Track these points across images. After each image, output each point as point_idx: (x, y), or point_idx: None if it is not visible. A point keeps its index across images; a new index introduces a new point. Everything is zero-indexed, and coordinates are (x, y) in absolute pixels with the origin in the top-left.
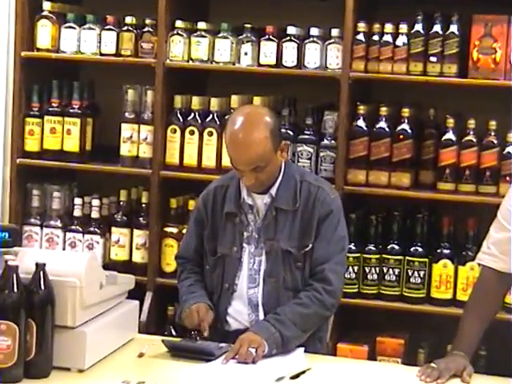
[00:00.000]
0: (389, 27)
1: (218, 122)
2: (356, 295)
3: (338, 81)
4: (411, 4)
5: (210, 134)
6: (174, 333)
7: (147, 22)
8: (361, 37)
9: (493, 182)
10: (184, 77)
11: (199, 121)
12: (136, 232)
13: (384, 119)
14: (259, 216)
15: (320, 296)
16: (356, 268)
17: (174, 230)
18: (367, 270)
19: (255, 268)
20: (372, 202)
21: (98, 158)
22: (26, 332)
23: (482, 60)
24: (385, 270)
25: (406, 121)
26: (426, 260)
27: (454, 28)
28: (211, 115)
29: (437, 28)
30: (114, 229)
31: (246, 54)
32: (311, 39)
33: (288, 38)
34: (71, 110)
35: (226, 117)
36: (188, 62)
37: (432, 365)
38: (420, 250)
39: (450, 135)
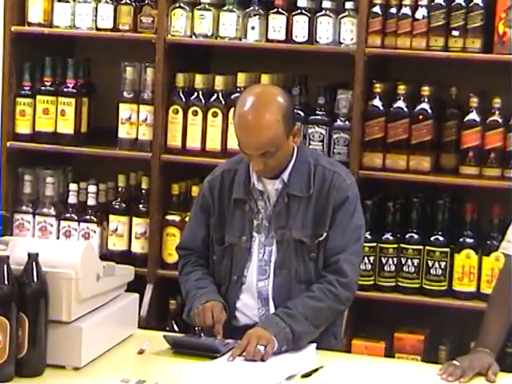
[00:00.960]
0: None
1: (223, 102)
2: (372, 288)
3: (352, 57)
4: None
5: (215, 114)
6: (176, 328)
7: None
8: (377, 9)
9: None
10: (186, 53)
11: (203, 100)
12: (135, 220)
13: (402, 98)
14: (270, 203)
15: (334, 289)
16: (372, 259)
17: (176, 218)
18: (384, 260)
19: (265, 259)
20: (389, 188)
21: (95, 141)
22: (17, 327)
23: (508, 34)
24: (403, 260)
25: (426, 100)
26: (448, 250)
27: None
28: (216, 94)
29: None
30: (111, 217)
31: (253, 28)
32: (323, 12)
33: (298, 10)
34: (65, 90)
35: (232, 96)
36: (191, 37)
37: (454, 362)
38: (441, 239)
39: (473, 115)
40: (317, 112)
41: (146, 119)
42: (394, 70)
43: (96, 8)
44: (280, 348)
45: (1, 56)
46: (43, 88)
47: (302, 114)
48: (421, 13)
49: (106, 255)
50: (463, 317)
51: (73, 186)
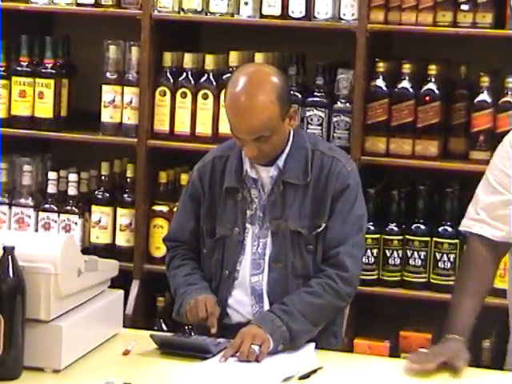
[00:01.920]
0: None
1: (214, 83)
2: (376, 283)
3: (353, 34)
4: None
5: (205, 96)
6: (164, 327)
7: None
8: None
9: None
10: (174, 30)
11: (192, 81)
12: (120, 211)
13: (407, 78)
14: (264, 191)
15: (334, 284)
16: (375, 251)
17: (164, 209)
18: (388, 253)
19: (259, 252)
20: (393, 175)
21: (75, 126)
22: None
23: None
24: (409, 253)
25: (433, 80)
26: (457, 241)
27: None
28: (206, 75)
29: None
30: (94, 207)
31: (246, 3)
32: None
33: None
34: (43, 70)
35: (224, 77)
36: (179, 13)
37: (422, 350)
38: (449, 229)
39: (484, 96)
40: (315, 93)
41: (130, 102)
42: (398, 47)
43: None
44: (276, 347)
45: None
46: (19, 69)
47: (300, 95)
48: None
49: (88, 249)
50: None
51: (52, 175)
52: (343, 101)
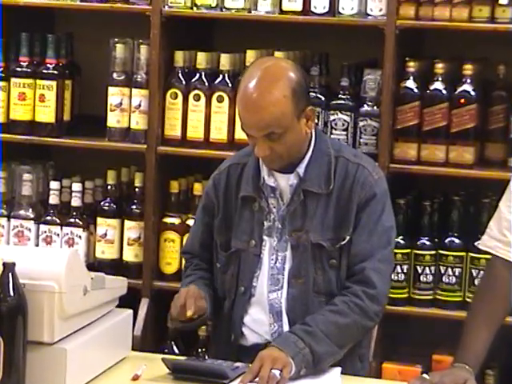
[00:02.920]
0: None
1: (229, 85)
2: (406, 302)
3: (381, 31)
4: None
5: (220, 99)
6: (176, 350)
7: None
8: None
9: None
10: (187, 28)
11: (206, 83)
12: (127, 224)
13: (440, 79)
14: (283, 201)
15: (360, 302)
16: (406, 267)
17: (176, 221)
18: (420, 269)
19: (278, 266)
20: (425, 184)
21: (79, 131)
22: None
23: None
24: (442, 269)
25: (469, 81)
26: None
27: None
28: (221, 76)
29: None
30: (99, 220)
31: None
32: None
33: None
34: (45, 71)
35: (240, 78)
36: (192, 8)
37: (424, 376)
38: None
39: None
40: (340, 96)
41: (139, 105)
42: (430, 45)
43: None
44: (298, 372)
45: None
46: (19, 69)
47: (323, 98)
48: None
49: (93, 265)
50: None
51: (54, 184)
52: (370, 104)
